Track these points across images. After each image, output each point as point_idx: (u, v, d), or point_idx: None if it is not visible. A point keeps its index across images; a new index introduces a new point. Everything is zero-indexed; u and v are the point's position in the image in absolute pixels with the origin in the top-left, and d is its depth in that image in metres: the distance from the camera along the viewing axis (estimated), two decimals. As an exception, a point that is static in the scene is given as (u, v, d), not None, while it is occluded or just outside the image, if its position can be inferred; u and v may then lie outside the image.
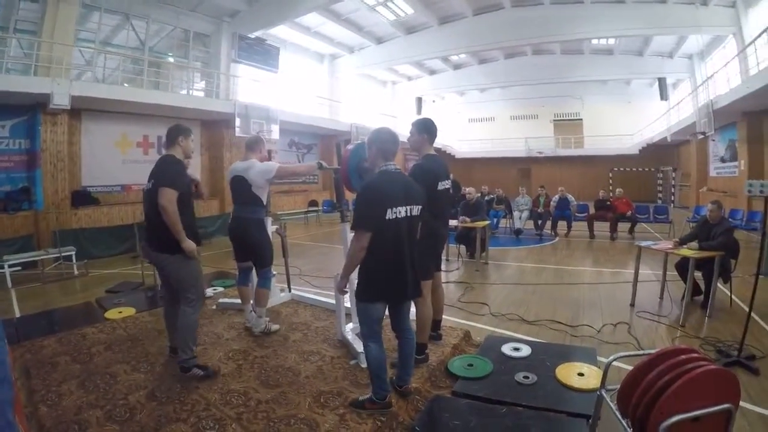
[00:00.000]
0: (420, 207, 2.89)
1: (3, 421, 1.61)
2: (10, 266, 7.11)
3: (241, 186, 4.28)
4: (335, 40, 18.24)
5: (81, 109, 10.32)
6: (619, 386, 2.21)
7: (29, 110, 9.36)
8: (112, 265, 8.62)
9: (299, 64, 18.38)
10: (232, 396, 3.18)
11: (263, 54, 15.11)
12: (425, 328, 3.69)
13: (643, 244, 5.63)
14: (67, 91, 9.01)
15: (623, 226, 11.15)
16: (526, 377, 3.38)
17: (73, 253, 7.92)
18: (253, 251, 4.42)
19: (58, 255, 7.78)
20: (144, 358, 3.88)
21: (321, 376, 3.49)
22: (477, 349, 4.05)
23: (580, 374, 3.37)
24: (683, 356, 2.00)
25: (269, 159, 4.83)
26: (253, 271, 4.66)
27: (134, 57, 12.35)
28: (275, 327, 4.53)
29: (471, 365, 3.60)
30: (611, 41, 18.78)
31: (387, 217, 2.69)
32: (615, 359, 2.40)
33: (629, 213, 11.21)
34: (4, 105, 8.98)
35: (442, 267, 7.58)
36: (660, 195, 23.05)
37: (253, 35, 14.45)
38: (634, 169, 24.16)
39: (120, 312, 5.24)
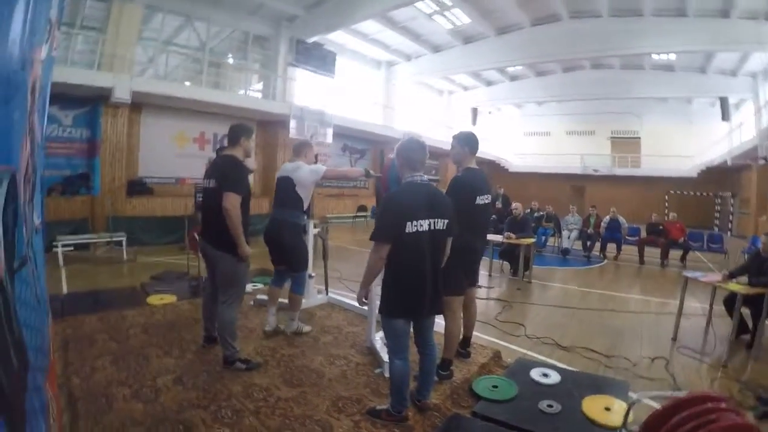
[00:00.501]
0: (447, 221, 2.79)
1: (34, 386, 1.68)
2: (63, 246, 7.49)
3: (285, 186, 4.25)
4: (392, 47, 18.32)
5: (141, 104, 10.78)
6: (639, 427, 2.07)
7: (92, 102, 9.88)
8: (160, 253, 8.92)
9: (356, 69, 18.57)
10: (254, 390, 3.22)
11: (320, 58, 15.36)
12: (452, 345, 3.62)
13: (690, 275, 5.28)
14: (128, 86, 9.50)
15: (675, 253, 10.55)
16: (550, 406, 3.21)
17: (124, 238, 8.27)
18: (286, 255, 4.35)
19: (110, 239, 8.15)
20: (177, 344, 4.00)
21: (344, 380, 3.48)
22: (505, 370, 3.92)
23: (607, 408, 3.16)
24: (710, 404, 1.87)
25: (315, 163, 4.79)
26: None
27: (195, 56, 12.84)
28: (307, 328, 4.55)
29: (495, 387, 3.47)
30: (672, 57, 17.92)
31: (407, 230, 2.62)
32: (638, 399, 2.26)
33: (682, 240, 10.59)
34: (69, 96, 9.47)
35: (484, 283, 7.56)
36: (717, 222, 21.84)
37: (310, 40, 14.72)
38: (691, 193, 22.97)
39: (161, 298, 5.43)
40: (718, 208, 22.12)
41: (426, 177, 2.83)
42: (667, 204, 22.55)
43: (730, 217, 20.14)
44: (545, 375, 3.72)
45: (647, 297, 7.36)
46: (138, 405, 2.92)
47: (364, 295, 2.91)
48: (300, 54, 14.59)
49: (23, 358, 1.55)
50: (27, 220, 2.06)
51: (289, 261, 4.37)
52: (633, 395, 3.44)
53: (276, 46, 14.50)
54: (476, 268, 3.91)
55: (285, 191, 4.24)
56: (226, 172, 3.44)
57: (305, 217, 4.52)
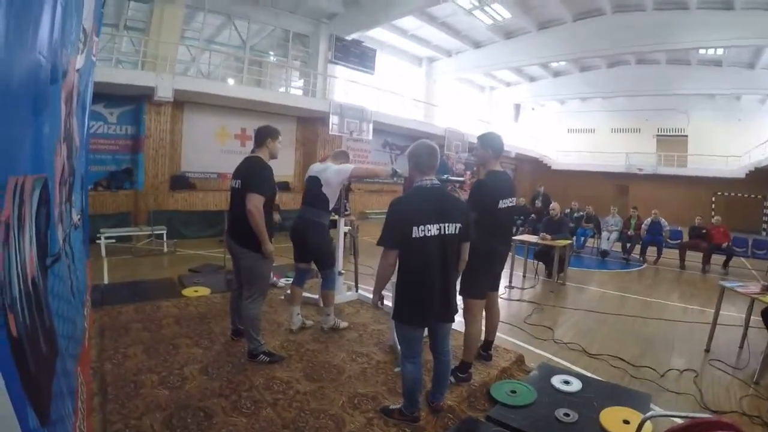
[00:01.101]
0: (459, 225, 2.74)
1: (63, 371, 1.85)
2: (106, 238, 7.88)
3: (313, 185, 4.36)
4: (432, 43, 18.27)
5: (184, 101, 11.16)
6: None
7: (136, 100, 10.27)
8: (199, 246, 9.23)
9: (396, 66, 18.61)
10: (275, 383, 3.35)
11: (359, 55, 15.46)
12: (472, 348, 3.61)
13: (728, 284, 5.00)
14: (170, 85, 9.86)
15: (718, 259, 10.10)
16: (567, 414, 3.13)
17: (165, 231, 8.63)
18: (313, 254, 4.45)
19: (151, 232, 8.49)
20: (207, 336, 4.18)
21: (362, 378, 3.56)
22: (526, 375, 3.87)
23: (626, 422, 3.05)
24: None
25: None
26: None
27: (236, 55, 13.17)
28: (344, 324, 4.64)
29: (514, 392, 3.42)
30: (720, 52, 17.31)
31: (414, 236, 2.59)
32: (651, 417, 2.22)
33: (725, 245, 10.16)
34: (113, 95, 9.88)
35: (518, 284, 7.50)
36: (765, 226, 20.78)
37: (350, 37, 14.82)
38: (738, 195, 21.91)
39: (196, 291, 5.65)
40: (767, 211, 21.09)
41: (436, 181, 2.78)
42: (713, 206, 21.71)
43: (779, 222, 19.16)
44: (566, 382, 3.63)
45: (684, 304, 7.09)
46: (164, 391, 3.09)
47: (378, 300, 2.95)
48: (340, 51, 14.70)
49: (53, 346, 1.71)
50: (63, 218, 2.25)
51: (315, 259, 4.49)
52: (657, 408, 3.40)
53: (316, 44, 14.74)
54: (499, 272, 3.88)
55: (312, 191, 4.35)
56: (249, 174, 3.55)
57: (330, 217, 4.55)
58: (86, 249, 4.11)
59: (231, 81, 13.04)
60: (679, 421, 3.02)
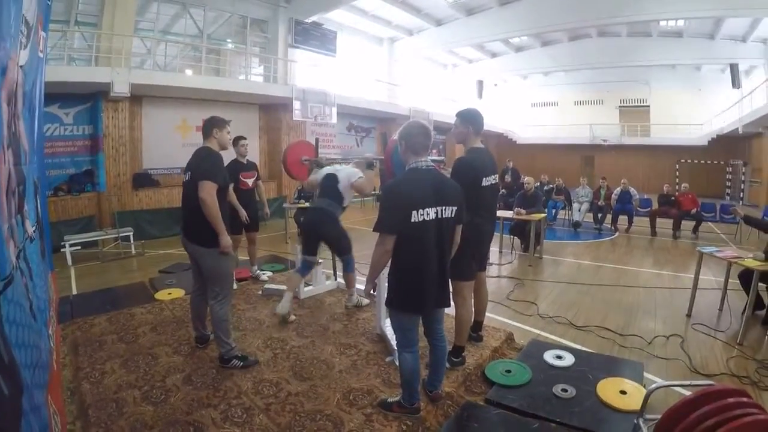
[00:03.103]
0: (455, 208, 2.65)
1: (31, 406, 1.64)
2: (71, 245, 7.48)
3: (329, 182, 4.60)
4: (393, 22, 17.97)
5: (142, 96, 10.68)
6: (659, 418, 2.01)
7: (91, 98, 9.80)
8: (168, 245, 8.90)
9: (358, 47, 18.25)
10: (264, 386, 3.20)
11: (320, 38, 15.19)
12: (463, 331, 3.55)
13: (706, 250, 5.09)
14: (126, 79, 9.39)
15: (687, 225, 10.36)
16: (564, 390, 3.17)
17: (131, 233, 8.26)
18: (330, 243, 4.74)
19: (117, 235, 8.13)
20: (186, 341, 3.98)
21: (354, 371, 3.44)
22: (518, 353, 3.87)
23: (623, 392, 3.11)
24: (731, 399, 1.80)
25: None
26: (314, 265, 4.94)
27: (193, 44, 12.70)
28: (366, 301, 4.80)
29: (509, 371, 3.42)
30: (680, 23, 17.50)
31: (412, 220, 2.48)
32: (656, 389, 2.21)
33: (694, 211, 10.37)
34: (68, 94, 9.40)
35: (495, 260, 7.48)
36: (728, 191, 21.43)
37: (309, 20, 14.48)
38: (701, 162, 22.56)
39: (169, 293, 5.42)
40: (729, 176, 21.74)
41: (431, 161, 2.69)
42: (677, 173, 22.33)
43: (742, 186, 19.74)
44: (559, 357, 3.67)
45: (660, 271, 7.25)
46: (148, 408, 2.90)
47: (371, 289, 2.87)
48: (299, 35, 14.40)
49: (16, 383, 1.51)
50: (15, 233, 2.02)
51: (334, 247, 4.83)
52: (650, 376, 3.45)
53: (275, 29, 14.27)
54: (486, 251, 3.84)
55: (329, 186, 4.61)
56: (197, 163, 3.40)
57: (342, 212, 4.70)
58: (48, 261, 3.83)
59: (189, 72, 12.55)
60: (682, 390, 3.09)
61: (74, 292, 5.78)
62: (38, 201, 3.22)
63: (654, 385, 2.32)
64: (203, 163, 3.38)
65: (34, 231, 2.63)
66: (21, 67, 2.33)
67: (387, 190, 2.66)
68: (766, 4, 12.49)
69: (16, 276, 1.77)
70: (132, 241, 8.21)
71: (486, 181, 3.42)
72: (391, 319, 2.84)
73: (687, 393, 2.75)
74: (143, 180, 10.74)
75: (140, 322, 4.47)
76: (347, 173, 4.59)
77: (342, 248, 4.74)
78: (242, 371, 3.41)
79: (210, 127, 3.59)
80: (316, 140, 5.38)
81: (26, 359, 1.79)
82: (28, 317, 1.99)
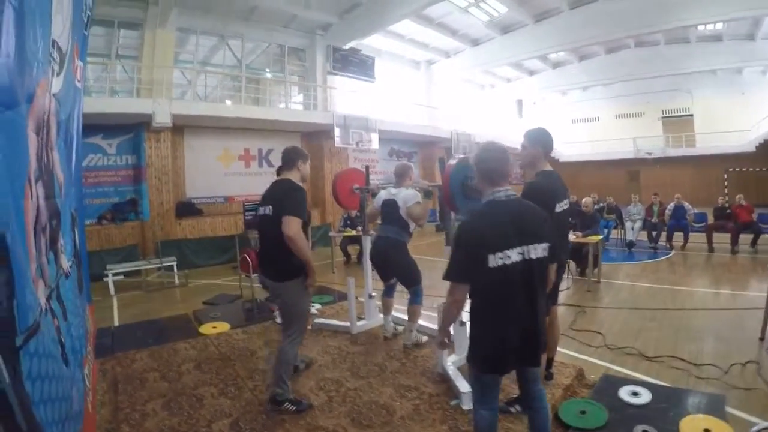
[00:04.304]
0: (546, 245, 2.19)
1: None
2: (113, 275, 7.48)
3: (391, 209, 4.41)
4: (430, 45, 17.90)
5: (183, 126, 10.86)
6: None
7: (134, 129, 10.01)
8: (212, 274, 8.86)
9: (396, 71, 18.26)
10: (319, 434, 2.91)
11: (358, 64, 15.20)
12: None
13: None
14: (168, 110, 9.57)
15: (744, 238, 9.77)
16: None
17: (175, 263, 8.23)
18: (397, 273, 4.54)
19: (160, 264, 8.10)
20: (232, 381, 3.76)
21: (417, 417, 3.12)
22: (590, 390, 3.51)
23: (707, 431, 2.80)
24: None
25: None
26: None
27: (232, 74, 12.90)
28: (424, 339, 4.55)
29: (584, 412, 3.10)
30: (719, 26, 16.92)
31: (490, 265, 2.05)
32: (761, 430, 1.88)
33: (751, 223, 9.81)
34: (111, 125, 9.64)
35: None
36: (778, 198, 20.26)
37: (347, 46, 14.54)
38: (750, 169, 21.49)
39: (214, 327, 5.25)
40: (779, 183, 20.60)
41: (511, 191, 2.23)
42: (726, 183, 21.40)
43: (795, 193, 18.68)
44: (635, 394, 3.36)
45: (724, 290, 6.85)
46: (192, 458, 2.67)
47: (444, 339, 2.46)
48: (338, 61, 14.45)
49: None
50: (45, 272, 1.84)
51: (401, 277, 4.55)
52: (731, 410, 3.15)
53: (313, 56, 14.41)
54: (558, 282, 3.44)
55: (391, 214, 4.42)
56: (283, 197, 3.22)
57: (410, 237, 4.52)
58: (86, 293, 3.72)
59: (228, 102, 12.74)
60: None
61: (116, 323, 5.71)
62: (76, 232, 3.09)
63: (756, 428, 2.11)
64: (288, 198, 3.19)
65: (70, 266, 2.47)
66: (54, 95, 2.19)
67: (459, 230, 2.22)
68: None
69: (44, 323, 1.58)
70: (175, 271, 8.17)
71: (559, 207, 3.08)
72: (470, 374, 2.40)
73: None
74: (186, 209, 10.83)
75: (184, 358, 4.29)
76: (404, 197, 4.37)
77: (409, 279, 4.47)
78: (294, 416, 3.14)
79: (295, 158, 3.46)
80: (367, 168, 5.13)
81: (53, 415, 1.58)
82: (59, 365, 1.80)
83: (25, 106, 1.54)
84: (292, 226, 3.05)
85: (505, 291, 2.10)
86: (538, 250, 2.14)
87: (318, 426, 3.02)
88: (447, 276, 2.14)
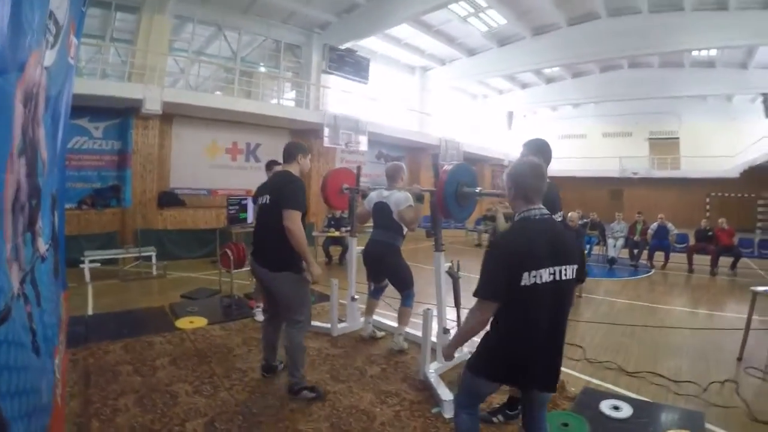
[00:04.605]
0: (574, 267, 2.10)
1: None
2: (90, 262, 7.24)
3: (383, 212, 4.34)
4: (426, 51, 17.92)
5: (173, 115, 10.65)
6: None
7: (122, 114, 9.79)
8: (191, 268, 8.64)
9: (390, 75, 18.26)
10: (299, 440, 2.81)
11: (353, 65, 15.12)
12: None
13: (759, 289, 4.82)
14: (158, 97, 9.37)
15: (724, 261, 10.02)
16: None
17: (154, 253, 8.03)
18: (390, 276, 4.50)
19: (138, 254, 7.89)
20: (208, 379, 3.63)
21: (398, 424, 3.05)
22: (572, 402, 3.50)
23: None
24: None
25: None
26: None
27: (226, 66, 12.75)
28: (406, 346, 4.48)
29: (566, 425, 3.08)
30: (713, 53, 17.21)
31: (522, 283, 1.96)
32: None
33: (732, 246, 10.07)
34: (99, 108, 9.39)
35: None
36: (759, 224, 20.71)
37: (343, 46, 14.46)
38: (733, 195, 22.00)
39: (191, 321, 5.10)
40: (762, 209, 21.05)
41: (545, 210, 2.12)
42: (708, 207, 21.86)
43: (775, 220, 19.13)
44: (616, 408, 3.39)
45: (703, 310, 6.98)
46: (163, 458, 2.54)
47: (453, 354, 2.34)
48: (333, 61, 14.35)
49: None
50: (21, 254, 1.71)
51: (393, 281, 4.50)
52: (711, 427, 3.20)
53: (308, 54, 14.33)
54: None
55: (384, 216, 4.35)
56: (282, 188, 3.27)
57: (403, 239, 4.49)
58: (62, 279, 3.55)
59: (218, 93, 12.57)
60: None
61: (90, 311, 5.52)
62: (56, 215, 2.93)
63: None
64: (289, 191, 3.25)
65: (47, 249, 2.33)
66: (46, 68, 2.07)
67: (494, 246, 2.14)
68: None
69: (15, 308, 1.46)
70: (154, 261, 7.97)
71: (555, 218, 3.05)
72: (462, 378, 2.31)
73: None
74: (169, 199, 10.61)
75: (159, 352, 4.14)
76: (396, 200, 4.28)
77: (401, 283, 4.42)
78: (272, 420, 3.03)
79: (296, 151, 3.51)
80: (358, 168, 5.04)
81: (21, 409, 1.46)
82: (28, 355, 1.67)
83: (15, 74, 1.44)
84: (293, 218, 3.12)
85: (532, 310, 2.01)
86: (568, 272, 2.06)
87: (297, 430, 2.92)
88: (479, 293, 2.02)
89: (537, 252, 1.99)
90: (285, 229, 3.12)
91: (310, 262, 3.25)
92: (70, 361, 3.69)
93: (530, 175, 2.11)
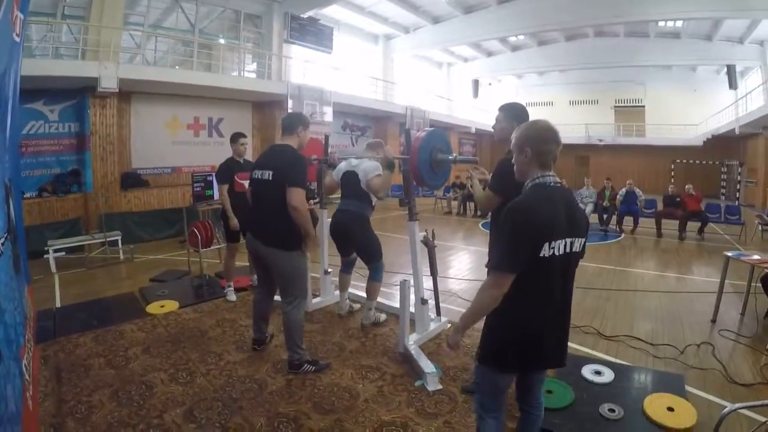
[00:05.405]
0: (583, 240, 1.95)
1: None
2: (55, 251, 6.95)
3: (352, 180, 4.27)
4: (390, 19, 17.70)
5: (131, 92, 10.20)
6: None
7: (78, 94, 9.30)
8: (159, 249, 8.43)
9: (353, 44, 18.04)
10: (281, 422, 2.78)
11: (316, 34, 14.83)
12: None
13: (731, 254, 4.99)
14: (115, 74, 8.90)
15: (692, 225, 10.35)
16: (611, 410, 2.93)
17: (119, 237, 7.77)
18: (357, 249, 4.41)
19: (104, 240, 7.63)
20: (184, 366, 3.55)
21: (382, 400, 3.05)
22: (554, 370, 3.48)
23: (670, 409, 2.92)
24: None
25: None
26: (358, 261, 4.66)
27: (184, 39, 12.25)
28: (383, 317, 4.52)
29: (550, 392, 3.11)
30: (678, 24, 17.51)
31: (541, 254, 1.78)
32: (729, 413, 2.20)
33: (699, 212, 10.40)
34: (53, 90, 8.93)
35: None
36: (723, 191, 21.51)
37: (305, 15, 14.11)
38: (697, 162, 22.72)
39: (162, 306, 4.97)
40: (724, 177, 21.81)
41: (557, 177, 1.94)
42: (673, 173, 22.49)
43: (737, 187, 19.84)
44: (598, 373, 3.47)
45: (673, 273, 7.16)
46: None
47: (460, 338, 2.04)
48: (295, 30, 14.04)
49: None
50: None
51: (361, 253, 4.41)
52: (691, 389, 3.30)
53: (269, 24, 13.89)
54: None
55: (352, 185, 4.26)
56: (286, 165, 3.19)
57: (372, 210, 4.40)
58: (25, 274, 3.38)
59: (177, 68, 12.11)
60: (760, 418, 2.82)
61: (58, 303, 5.30)
62: (11, 206, 2.75)
63: (727, 409, 2.26)
64: (294, 168, 3.20)
65: (3, 243, 2.18)
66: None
67: (512, 212, 1.82)
68: (765, 6, 12.51)
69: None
70: (120, 246, 7.72)
71: None
72: (478, 376, 2.13)
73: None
74: (132, 180, 10.23)
75: (131, 341, 4.02)
76: (365, 169, 4.22)
77: (370, 255, 4.34)
78: (253, 404, 2.98)
79: (296, 123, 3.42)
80: (326, 137, 4.93)
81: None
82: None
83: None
84: (297, 197, 3.10)
85: (545, 283, 1.86)
86: (577, 244, 1.91)
87: (279, 413, 2.88)
88: (501, 265, 1.80)
89: (557, 221, 1.82)
90: (288, 207, 3.10)
91: (313, 240, 3.29)
92: (40, 358, 3.55)
93: (552, 140, 1.93)
